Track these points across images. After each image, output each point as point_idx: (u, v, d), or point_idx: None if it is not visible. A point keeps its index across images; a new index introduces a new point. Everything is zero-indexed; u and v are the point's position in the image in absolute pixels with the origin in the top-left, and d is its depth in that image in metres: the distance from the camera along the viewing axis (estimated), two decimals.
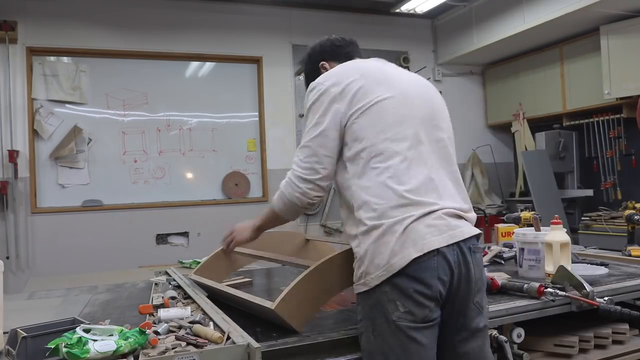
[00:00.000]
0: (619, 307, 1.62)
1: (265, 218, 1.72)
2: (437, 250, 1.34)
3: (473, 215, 1.49)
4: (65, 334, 1.28)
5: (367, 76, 1.49)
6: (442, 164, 1.48)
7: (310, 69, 1.78)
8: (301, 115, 5.47)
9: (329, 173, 1.49)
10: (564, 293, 1.69)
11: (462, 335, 1.42)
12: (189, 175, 5.12)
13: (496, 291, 1.79)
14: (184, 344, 1.32)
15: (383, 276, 1.34)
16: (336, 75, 1.52)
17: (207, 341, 1.32)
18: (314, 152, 1.48)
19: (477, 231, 1.45)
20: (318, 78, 1.56)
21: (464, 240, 1.39)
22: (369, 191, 1.40)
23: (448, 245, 1.36)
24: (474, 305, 1.42)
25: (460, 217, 1.43)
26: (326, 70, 1.69)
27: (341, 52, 1.75)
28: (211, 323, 1.49)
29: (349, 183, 1.45)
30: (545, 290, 1.69)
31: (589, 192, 5.00)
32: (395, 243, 1.34)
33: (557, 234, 1.94)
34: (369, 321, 1.38)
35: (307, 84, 1.69)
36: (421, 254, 1.33)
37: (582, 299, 1.66)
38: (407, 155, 1.41)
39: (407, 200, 1.37)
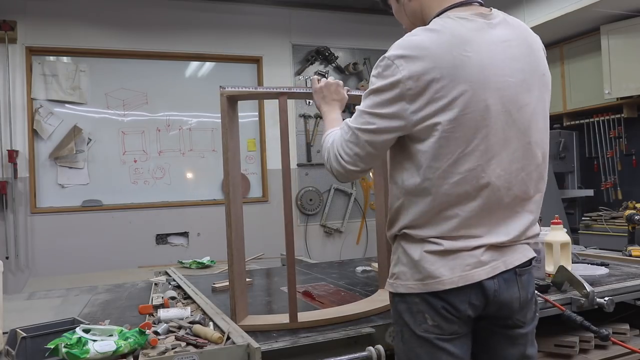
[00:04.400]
0: (581, 318, 1.64)
1: (326, 119, 1.61)
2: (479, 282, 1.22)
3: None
4: (65, 334, 1.28)
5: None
6: None
7: None
8: (301, 115, 5.47)
9: None
10: None
11: (502, 343, 1.31)
12: (189, 175, 5.12)
13: None
14: (183, 344, 1.32)
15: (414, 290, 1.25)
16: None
17: (207, 341, 1.32)
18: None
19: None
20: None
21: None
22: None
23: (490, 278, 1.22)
24: (515, 321, 1.29)
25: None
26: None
27: None
28: (211, 323, 1.49)
29: None
30: None
31: (590, 192, 4.99)
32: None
33: (558, 234, 1.93)
34: (398, 327, 1.32)
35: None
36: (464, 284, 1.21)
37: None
38: None
39: None
